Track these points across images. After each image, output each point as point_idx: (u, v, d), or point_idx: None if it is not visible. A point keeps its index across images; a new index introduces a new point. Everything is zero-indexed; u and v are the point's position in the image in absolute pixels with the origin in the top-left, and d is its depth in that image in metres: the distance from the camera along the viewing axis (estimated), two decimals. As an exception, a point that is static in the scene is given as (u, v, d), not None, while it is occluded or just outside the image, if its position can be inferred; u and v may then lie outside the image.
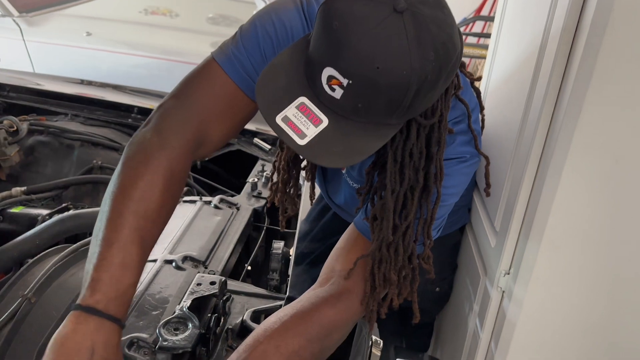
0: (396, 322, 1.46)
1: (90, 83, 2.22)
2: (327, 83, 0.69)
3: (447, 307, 1.47)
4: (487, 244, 1.17)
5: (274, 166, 1.09)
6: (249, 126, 1.95)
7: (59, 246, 1.24)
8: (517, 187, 1.01)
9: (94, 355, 0.69)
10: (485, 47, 1.49)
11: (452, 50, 0.70)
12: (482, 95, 0.99)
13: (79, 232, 1.32)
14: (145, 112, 1.97)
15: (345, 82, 0.67)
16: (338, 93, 0.69)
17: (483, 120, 1.01)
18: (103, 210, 0.77)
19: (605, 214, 0.93)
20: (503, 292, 1.08)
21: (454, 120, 0.88)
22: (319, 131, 0.71)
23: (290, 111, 0.70)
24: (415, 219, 0.84)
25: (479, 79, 0.99)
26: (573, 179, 0.90)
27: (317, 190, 1.21)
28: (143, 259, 0.76)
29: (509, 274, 1.06)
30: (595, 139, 0.87)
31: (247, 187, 1.64)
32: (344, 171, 1.11)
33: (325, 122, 0.71)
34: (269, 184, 1.63)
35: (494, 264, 1.11)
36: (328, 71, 0.68)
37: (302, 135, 0.71)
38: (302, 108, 0.70)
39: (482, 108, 0.99)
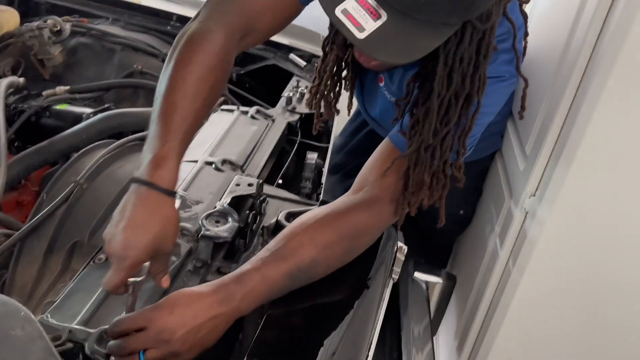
0: (417, 241, 1.53)
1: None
2: None
3: (467, 230, 1.53)
4: (515, 168, 1.20)
5: (316, 71, 1.11)
6: (285, 41, 1.95)
7: (105, 141, 1.30)
8: (553, 111, 1.04)
9: (164, 226, 0.76)
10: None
11: None
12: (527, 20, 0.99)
13: (123, 130, 1.38)
14: (183, 19, 1.97)
15: None
16: None
17: (526, 47, 1.01)
18: (159, 94, 0.83)
19: (638, 141, 0.95)
20: (527, 213, 1.12)
21: (499, 37, 0.89)
22: (377, 26, 0.72)
23: (350, 3, 0.71)
24: (453, 128, 0.87)
25: (527, 1, 0.99)
26: (610, 104, 0.92)
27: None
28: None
29: (534, 195, 1.10)
30: (636, 68, 0.88)
31: (282, 101, 1.67)
32: (381, 84, 1.13)
33: (384, 16, 0.72)
34: (305, 97, 1.67)
35: (520, 187, 1.15)
36: None
37: (360, 28, 0.72)
38: (361, 1, 0.71)
39: (526, 34, 1.00)
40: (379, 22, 0.72)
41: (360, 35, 0.72)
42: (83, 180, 1.10)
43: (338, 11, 0.72)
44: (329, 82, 1.09)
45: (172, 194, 0.79)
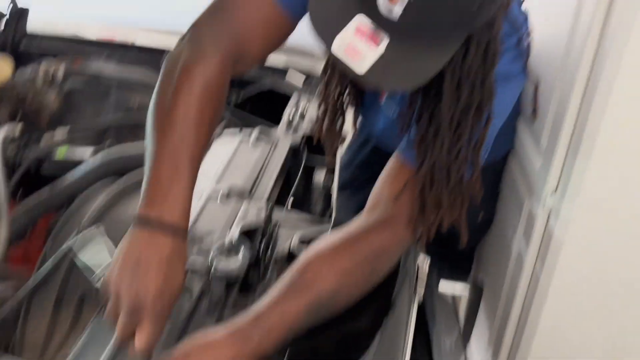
0: (438, 248, 1.48)
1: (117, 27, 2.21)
2: None
3: (489, 232, 1.48)
4: (531, 166, 1.15)
5: (320, 98, 1.06)
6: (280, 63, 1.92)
7: (106, 179, 1.27)
8: (566, 101, 0.99)
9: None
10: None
11: None
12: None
13: (124, 172, 1.35)
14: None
15: None
16: (398, 9, 0.64)
17: (529, 46, 0.97)
18: (149, 132, 0.81)
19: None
20: (550, 211, 1.07)
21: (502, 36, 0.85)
22: (379, 54, 0.67)
23: (348, 34, 0.67)
24: (466, 141, 0.83)
25: None
26: (626, 89, 0.87)
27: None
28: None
29: (555, 192, 1.05)
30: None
31: (283, 121, 1.64)
32: (382, 100, 1.09)
33: (384, 41, 0.67)
34: (312, 118, 1.62)
35: (539, 185, 1.10)
36: None
37: (361, 60, 0.68)
38: (358, 31, 0.67)
39: (528, 32, 0.95)
40: (381, 49, 0.67)
41: (362, 68, 0.67)
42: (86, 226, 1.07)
43: (335, 46, 0.68)
44: (333, 111, 1.03)
45: (178, 229, 0.76)
